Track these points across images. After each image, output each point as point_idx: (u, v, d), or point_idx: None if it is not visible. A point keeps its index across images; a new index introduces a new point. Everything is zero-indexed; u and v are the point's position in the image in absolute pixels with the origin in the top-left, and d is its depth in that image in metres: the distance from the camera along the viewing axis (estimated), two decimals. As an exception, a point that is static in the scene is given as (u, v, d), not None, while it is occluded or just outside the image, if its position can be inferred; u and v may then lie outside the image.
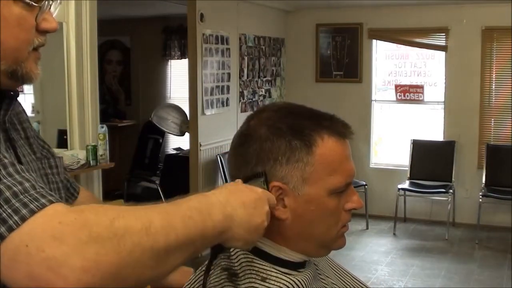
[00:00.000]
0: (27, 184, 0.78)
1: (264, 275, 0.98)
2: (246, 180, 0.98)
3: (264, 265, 1.00)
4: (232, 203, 0.88)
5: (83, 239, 0.71)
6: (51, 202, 0.76)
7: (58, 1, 1.01)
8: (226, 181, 5.51)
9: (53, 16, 1.01)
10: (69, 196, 1.27)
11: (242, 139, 1.02)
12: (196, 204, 0.85)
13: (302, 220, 0.99)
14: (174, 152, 7.22)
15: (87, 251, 0.70)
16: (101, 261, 0.71)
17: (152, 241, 0.76)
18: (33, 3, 0.94)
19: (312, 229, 1.01)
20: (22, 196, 0.75)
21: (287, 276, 0.99)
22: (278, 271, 0.99)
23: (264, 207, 0.92)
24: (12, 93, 1.04)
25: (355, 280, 1.15)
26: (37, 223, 0.72)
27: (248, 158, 1.00)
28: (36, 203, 0.75)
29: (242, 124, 1.05)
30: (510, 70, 6.17)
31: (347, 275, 1.15)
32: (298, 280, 0.99)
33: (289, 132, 0.98)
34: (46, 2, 0.97)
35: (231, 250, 1.01)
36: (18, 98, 1.12)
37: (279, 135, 0.98)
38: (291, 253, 1.02)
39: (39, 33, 0.98)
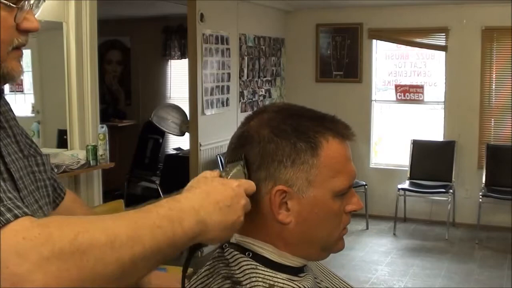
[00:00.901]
0: None
1: (271, 282, 0.97)
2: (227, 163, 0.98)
3: (269, 272, 0.98)
4: (206, 207, 0.87)
5: (45, 255, 0.71)
6: (17, 216, 0.76)
7: (40, 0, 1.01)
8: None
9: (35, 15, 1.01)
10: (56, 197, 1.27)
11: (242, 140, 1.00)
12: (167, 211, 0.84)
13: (306, 223, 0.98)
14: (174, 152, 7.23)
15: (49, 267, 0.71)
16: (63, 277, 0.71)
17: (117, 254, 0.76)
18: (11, 4, 0.93)
19: (316, 232, 1.00)
20: None
21: (293, 282, 0.98)
22: (282, 278, 0.98)
23: (240, 202, 0.91)
24: None
25: (342, 282, 1.15)
26: (2, 239, 0.72)
27: (250, 160, 0.98)
28: (1, 217, 0.75)
29: (240, 125, 1.04)
30: (510, 70, 6.17)
31: (335, 277, 1.15)
32: (304, 286, 0.99)
33: (294, 134, 0.97)
34: (26, 2, 0.96)
35: (216, 250, 1.02)
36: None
37: (283, 137, 0.96)
38: (292, 258, 1.01)
39: (20, 32, 0.98)
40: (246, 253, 1.00)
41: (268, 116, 1.00)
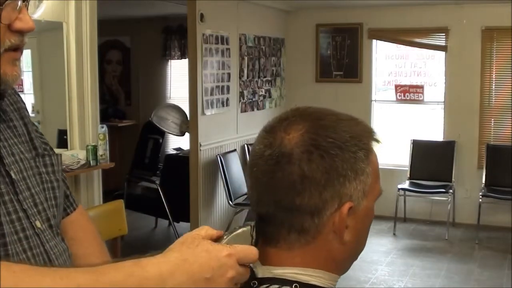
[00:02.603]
0: None
1: None
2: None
3: None
4: (177, 277, 0.76)
5: None
6: None
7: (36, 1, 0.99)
8: (226, 182, 5.51)
9: (36, 15, 1.00)
10: (68, 206, 1.24)
11: (286, 158, 0.84)
12: (125, 277, 0.75)
13: (358, 237, 0.90)
14: (174, 152, 7.22)
15: None
16: None
17: None
18: None
19: (363, 245, 0.94)
20: None
21: None
22: None
23: (225, 274, 0.79)
24: None
25: None
26: None
27: (315, 180, 0.83)
28: None
29: (262, 142, 0.87)
30: (510, 70, 6.17)
31: None
32: None
33: (352, 142, 0.86)
34: (14, 2, 0.93)
35: None
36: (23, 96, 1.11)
37: (343, 148, 0.85)
38: (337, 280, 0.92)
39: (13, 33, 0.95)
40: (293, 285, 0.86)
41: (309, 125, 0.86)
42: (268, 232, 0.88)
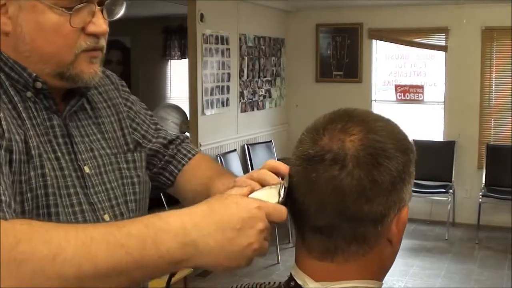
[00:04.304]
0: None
1: None
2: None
3: None
4: (203, 228, 0.76)
5: None
6: None
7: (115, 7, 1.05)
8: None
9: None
10: (171, 172, 1.30)
11: (353, 162, 0.78)
12: (141, 229, 0.75)
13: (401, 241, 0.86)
14: (174, 152, 7.22)
15: None
16: None
17: (59, 270, 0.71)
18: (64, 11, 0.97)
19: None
20: None
21: None
22: None
23: (255, 226, 0.78)
24: (82, 90, 1.10)
25: None
26: None
27: (383, 185, 0.78)
28: None
29: (314, 144, 0.80)
30: (510, 70, 6.17)
31: None
32: None
33: (407, 145, 0.82)
34: (94, 6, 1.00)
35: None
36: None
37: (402, 151, 0.80)
38: None
39: (88, 36, 1.02)
40: None
41: (367, 128, 0.80)
42: (323, 246, 0.82)
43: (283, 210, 0.81)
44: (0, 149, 0.91)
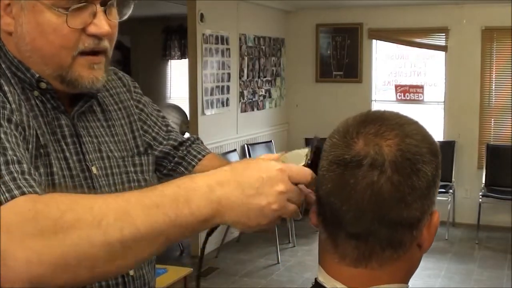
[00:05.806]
0: (7, 178, 0.81)
1: None
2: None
3: None
4: (225, 185, 0.78)
5: (29, 232, 0.72)
6: (24, 193, 0.78)
7: (109, 4, 1.04)
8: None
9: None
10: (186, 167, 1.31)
11: (392, 167, 0.76)
12: (173, 189, 0.78)
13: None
14: (174, 152, 7.22)
15: (31, 244, 0.72)
16: (45, 253, 0.72)
17: (103, 235, 0.73)
18: (62, 11, 0.96)
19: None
20: None
21: None
22: None
23: (274, 186, 0.79)
24: (90, 94, 1.11)
25: None
26: (1, 215, 0.74)
27: (421, 190, 0.78)
28: (7, 194, 0.77)
29: (349, 148, 0.78)
30: (510, 70, 6.17)
31: None
32: None
33: (437, 148, 0.81)
34: (96, 7, 0.99)
35: None
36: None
37: (435, 153, 0.80)
38: None
39: (88, 37, 1.00)
40: None
41: (402, 132, 0.78)
42: (358, 252, 0.80)
43: (307, 172, 0.82)
44: (18, 139, 0.92)
